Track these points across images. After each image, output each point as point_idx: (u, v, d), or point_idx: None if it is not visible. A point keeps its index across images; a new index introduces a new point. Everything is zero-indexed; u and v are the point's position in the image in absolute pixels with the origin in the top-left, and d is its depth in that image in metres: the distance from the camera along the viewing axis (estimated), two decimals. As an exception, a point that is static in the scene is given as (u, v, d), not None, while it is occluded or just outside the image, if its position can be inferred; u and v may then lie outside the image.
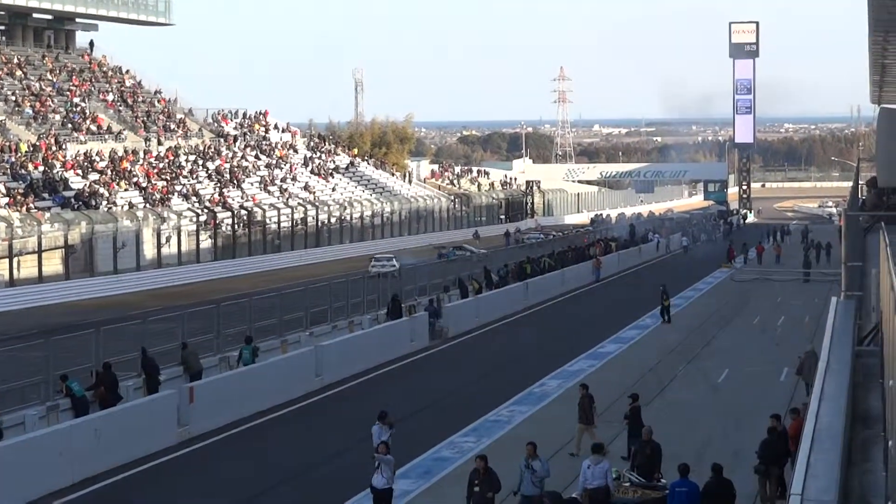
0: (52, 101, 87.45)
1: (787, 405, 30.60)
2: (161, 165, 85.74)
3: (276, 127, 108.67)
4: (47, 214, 68.55)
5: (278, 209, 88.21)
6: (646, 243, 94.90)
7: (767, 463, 23.84)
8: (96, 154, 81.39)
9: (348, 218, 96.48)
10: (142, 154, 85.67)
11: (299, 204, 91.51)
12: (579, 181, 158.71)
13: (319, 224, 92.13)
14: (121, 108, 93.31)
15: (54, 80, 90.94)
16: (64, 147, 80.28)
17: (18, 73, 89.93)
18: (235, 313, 41.43)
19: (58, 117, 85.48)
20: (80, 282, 67.27)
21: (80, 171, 77.94)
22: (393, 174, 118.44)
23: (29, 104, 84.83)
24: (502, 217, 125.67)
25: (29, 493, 25.68)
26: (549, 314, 60.70)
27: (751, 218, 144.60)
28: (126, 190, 78.69)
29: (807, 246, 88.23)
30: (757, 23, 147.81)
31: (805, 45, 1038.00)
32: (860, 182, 60.17)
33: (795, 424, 25.90)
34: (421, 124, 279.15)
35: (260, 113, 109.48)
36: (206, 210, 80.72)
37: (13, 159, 74.95)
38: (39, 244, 66.09)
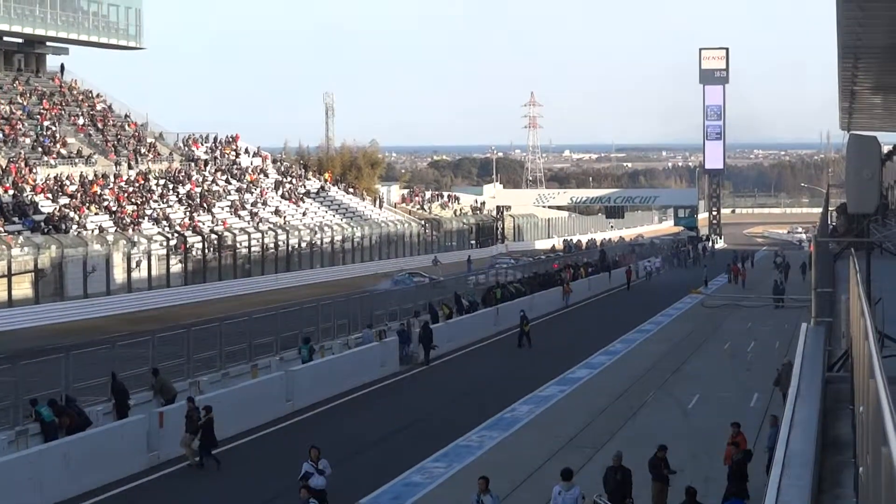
0: (23, 124, 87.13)
1: (757, 430, 30.61)
2: (131, 189, 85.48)
3: (246, 151, 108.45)
4: (18, 238, 68.26)
5: (249, 234, 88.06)
6: (616, 269, 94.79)
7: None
8: (66, 178, 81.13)
9: (319, 243, 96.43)
10: (112, 178, 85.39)
11: (270, 228, 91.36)
12: (549, 206, 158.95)
13: (290, 249, 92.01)
14: (91, 132, 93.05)
15: (24, 103, 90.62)
16: (34, 170, 80.00)
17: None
18: (206, 338, 41.29)
19: (28, 141, 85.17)
20: (49, 306, 66.98)
21: (50, 195, 77.65)
22: (363, 199, 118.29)
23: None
24: (472, 242, 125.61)
25: (-3, 519, 25.56)
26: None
27: (720, 244, 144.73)
28: (96, 214, 78.42)
29: (779, 269, 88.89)
30: (727, 49, 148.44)
31: (775, 72, 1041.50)
32: (830, 208, 60.43)
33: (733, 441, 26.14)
34: (391, 149, 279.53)
35: (231, 137, 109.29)
36: (176, 234, 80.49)
37: (-18, 183, 74.70)
38: (9, 268, 65.77)
